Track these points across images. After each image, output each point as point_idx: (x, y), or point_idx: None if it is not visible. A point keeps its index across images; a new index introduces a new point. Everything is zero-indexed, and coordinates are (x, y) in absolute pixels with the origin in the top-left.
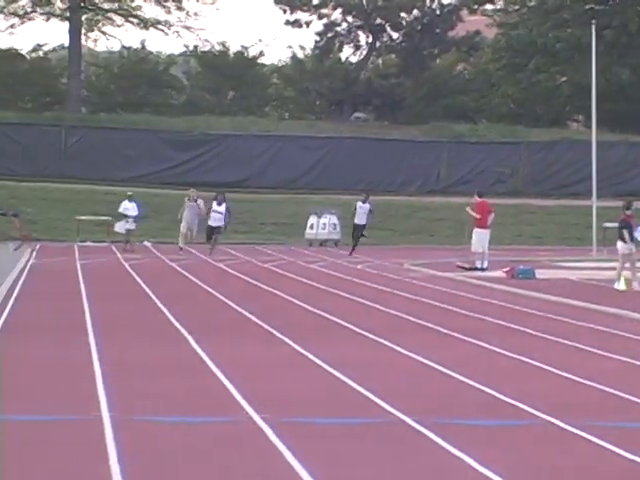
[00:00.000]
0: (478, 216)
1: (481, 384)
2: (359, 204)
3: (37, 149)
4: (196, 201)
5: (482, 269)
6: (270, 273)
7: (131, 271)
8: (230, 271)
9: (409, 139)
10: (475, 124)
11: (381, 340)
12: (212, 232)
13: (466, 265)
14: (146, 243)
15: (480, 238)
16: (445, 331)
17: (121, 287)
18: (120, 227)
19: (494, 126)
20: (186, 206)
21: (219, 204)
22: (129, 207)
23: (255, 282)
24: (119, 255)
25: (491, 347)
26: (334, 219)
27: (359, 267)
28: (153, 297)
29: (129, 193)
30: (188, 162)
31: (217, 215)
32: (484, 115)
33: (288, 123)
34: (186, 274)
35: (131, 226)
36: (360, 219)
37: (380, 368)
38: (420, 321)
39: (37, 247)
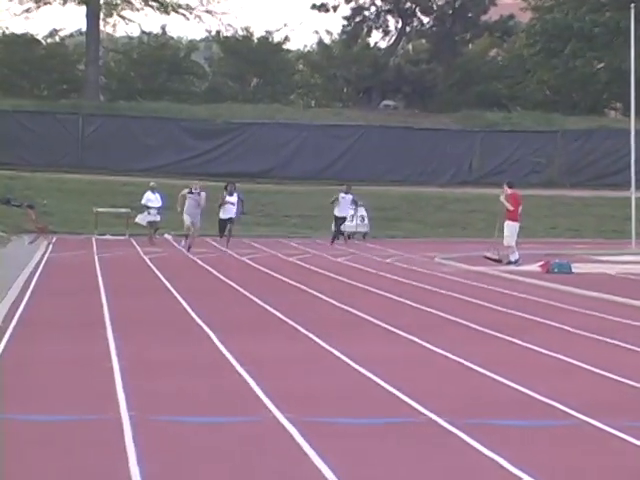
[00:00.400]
0: (512, 208)
1: (514, 382)
2: (341, 195)
3: (53, 138)
4: (199, 194)
5: (515, 262)
6: (295, 267)
7: (151, 265)
8: (253, 265)
9: (440, 128)
10: (509, 112)
11: (410, 336)
12: (225, 225)
13: (495, 256)
14: (167, 236)
15: (512, 231)
16: (477, 327)
17: (140, 281)
18: (142, 219)
19: (529, 114)
20: (186, 197)
21: (230, 194)
22: (152, 198)
23: (279, 276)
24: (139, 248)
25: (525, 344)
26: (362, 211)
27: (388, 261)
28: (174, 292)
29: (152, 184)
30: (210, 151)
31: (229, 206)
32: (518, 102)
33: (314, 111)
34: (208, 268)
35: (155, 218)
36: (342, 211)
37: (409, 365)
38: (451, 317)
39: (53, 240)
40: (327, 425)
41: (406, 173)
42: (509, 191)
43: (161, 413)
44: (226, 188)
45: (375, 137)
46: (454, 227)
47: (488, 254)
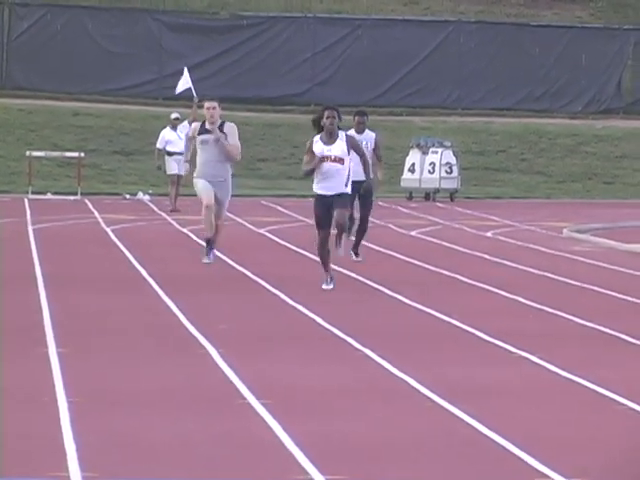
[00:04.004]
0: None
1: None
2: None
3: None
4: (222, 129)
5: None
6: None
7: (116, 240)
8: (291, 247)
9: (571, 24)
10: None
11: (524, 353)
12: (326, 209)
13: None
14: (141, 196)
15: None
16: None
17: (101, 266)
18: (174, 168)
19: None
20: (197, 142)
21: (329, 138)
22: (173, 139)
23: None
24: (97, 214)
25: None
26: (449, 156)
27: (490, 235)
28: (151, 282)
29: (174, 115)
30: (211, 62)
31: (333, 166)
32: None
33: None
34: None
35: (181, 169)
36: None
37: (515, 399)
38: (590, 324)
39: None
40: None
41: (517, 96)
42: None
43: None
44: (317, 125)
45: (469, 40)
46: (594, 181)
47: None
